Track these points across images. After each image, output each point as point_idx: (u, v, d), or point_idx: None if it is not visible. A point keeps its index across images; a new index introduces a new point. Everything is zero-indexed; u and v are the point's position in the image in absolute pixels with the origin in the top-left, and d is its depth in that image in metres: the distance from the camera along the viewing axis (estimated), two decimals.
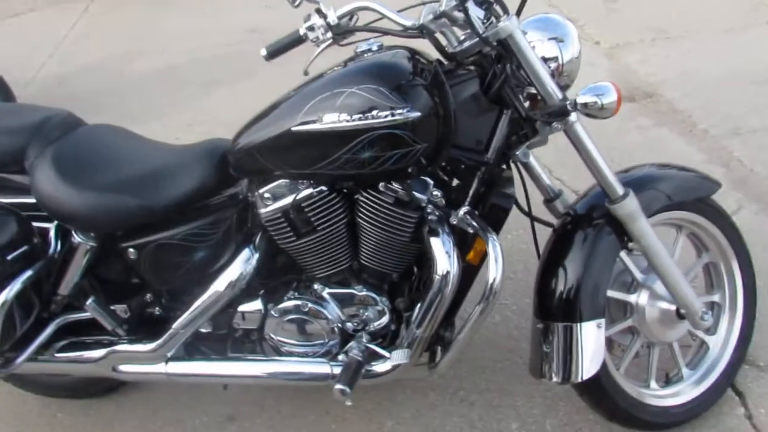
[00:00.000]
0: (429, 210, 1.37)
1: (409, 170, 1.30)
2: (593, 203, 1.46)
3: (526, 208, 1.47)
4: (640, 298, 1.49)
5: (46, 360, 1.54)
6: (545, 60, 1.32)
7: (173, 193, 1.39)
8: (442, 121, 1.27)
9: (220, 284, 1.43)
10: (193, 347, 1.55)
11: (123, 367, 1.53)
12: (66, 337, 1.56)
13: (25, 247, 1.38)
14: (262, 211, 1.39)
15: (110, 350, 1.51)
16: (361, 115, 1.22)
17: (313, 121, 1.26)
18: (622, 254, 1.45)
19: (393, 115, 1.21)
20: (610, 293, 1.47)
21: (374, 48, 1.35)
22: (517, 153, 1.38)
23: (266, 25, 4.88)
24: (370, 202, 1.36)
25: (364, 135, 1.23)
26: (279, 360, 1.50)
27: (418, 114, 1.22)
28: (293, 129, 1.27)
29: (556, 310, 1.41)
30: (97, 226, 1.42)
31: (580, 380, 1.37)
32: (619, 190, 1.35)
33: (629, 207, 1.35)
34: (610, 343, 1.56)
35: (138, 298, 1.53)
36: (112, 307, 1.52)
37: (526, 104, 1.37)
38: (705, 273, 1.67)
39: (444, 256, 1.33)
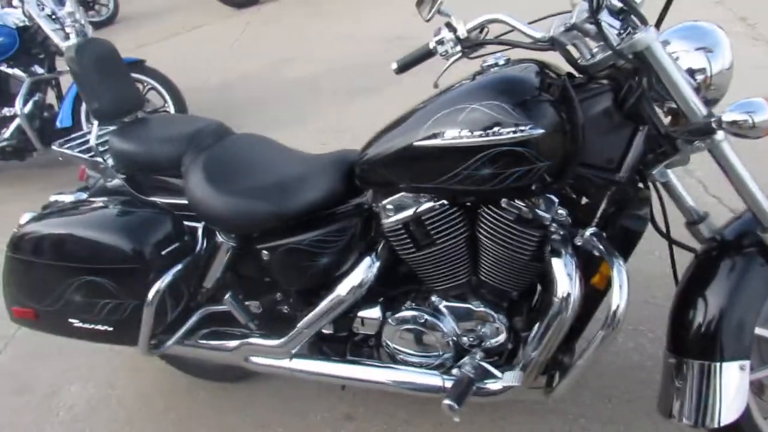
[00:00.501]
0: (553, 229, 1.32)
1: (533, 187, 1.26)
2: (744, 229, 1.31)
3: (664, 230, 1.36)
4: None
5: (191, 345, 1.72)
6: (691, 72, 1.21)
7: (302, 201, 1.48)
8: (569, 138, 1.22)
9: (342, 289, 1.49)
10: (316, 347, 1.64)
11: (253, 359, 1.66)
12: (209, 326, 1.73)
13: (177, 244, 1.55)
14: (385, 221, 1.43)
15: (243, 342, 1.65)
16: (482, 132, 1.21)
17: (435, 136, 1.26)
18: None
19: (515, 132, 1.18)
20: (763, 331, 1.31)
21: (501, 62, 1.32)
22: (653, 172, 1.28)
23: (412, 33, 5.00)
24: (491, 218, 1.34)
25: (484, 151, 1.22)
26: (393, 367, 1.54)
27: (541, 131, 1.18)
28: (415, 144, 1.29)
29: (692, 346, 1.28)
30: (235, 227, 1.55)
31: (716, 426, 1.24)
32: None
33: None
34: (761, 387, 1.39)
35: (270, 296, 1.64)
36: (246, 303, 1.66)
37: (667, 120, 1.27)
38: None
39: (565, 278, 1.27)
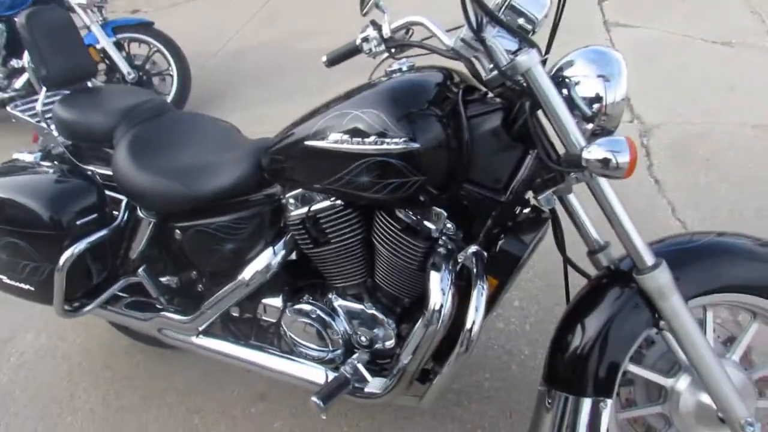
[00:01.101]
0: (441, 242, 1.32)
1: (421, 198, 1.26)
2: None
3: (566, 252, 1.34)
4: (678, 384, 1.27)
5: (113, 311, 1.79)
6: (588, 99, 1.17)
7: (213, 186, 1.50)
8: (452, 155, 1.20)
9: (245, 273, 1.52)
10: (226, 328, 1.68)
11: (165, 332, 1.72)
12: (135, 296, 1.79)
13: (95, 215, 1.61)
14: (287, 214, 1.45)
15: (157, 314, 1.71)
16: (359, 140, 1.21)
17: (322, 138, 1.27)
18: (665, 333, 1.25)
19: (388, 144, 1.18)
20: (645, 373, 1.28)
21: (404, 68, 1.31)
22: (539, 198, 1.25)
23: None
24: (383, 224, 1.34)
25: (361, 159, 1.21)
26: (283, 356, 1.57)
27: (417, 146, 1.17)
28: (306, 143, 1.30)
29: (560, 376, 1.27)
30: (151, 204, 1.59)
31: None
32: (648, 259, 1.16)
33: (658, 281, 1.15)
34: (645, 423, 1.37)
35: (186, 274, 1.69)
36: (165, 278, 1.71)
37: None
38: None
39: (438, 292, 1.27)
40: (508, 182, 1.25)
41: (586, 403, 1.21)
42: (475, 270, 1.25)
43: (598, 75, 1.18)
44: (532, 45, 1.13)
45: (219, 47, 4.95)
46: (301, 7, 5.73)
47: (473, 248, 1.27)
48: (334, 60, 1.46)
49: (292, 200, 1.43)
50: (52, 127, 1.77)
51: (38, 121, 1.79)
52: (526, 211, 1.34)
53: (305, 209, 1.40)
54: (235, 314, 1.66)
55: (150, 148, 1.60)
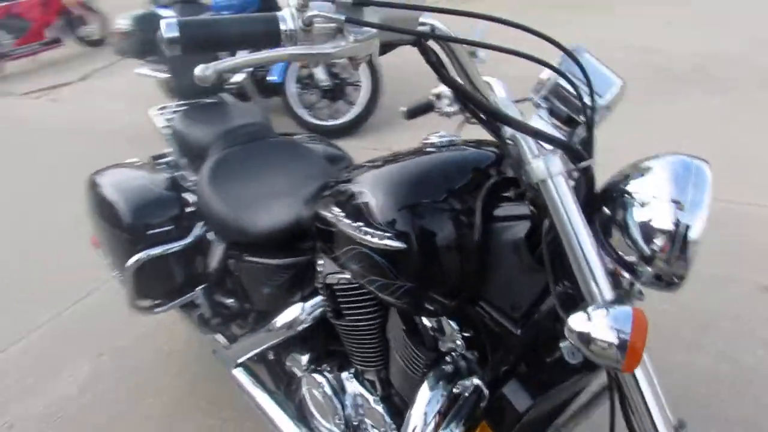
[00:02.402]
0: (449, 358, 1.08)
1: (427, 306, 1.03)
2: None
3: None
4: None
5: (185, 315, 1.86)
6: (650, 232, 0.82)
7: (264, 225, 1.44)
8: (458, 262, 0.95)
9: (277, 321, 1.44)
10: (262, 371, 1.63)
11: (217, 354, 1.74)
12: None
13: (168, 228, 1.67)
14: (316, 274, 1.33)
15: (212, 334, 1.73)
16: (350, 222, 1.02)
17: (329, 208, 1.12)
18: None
19: (372, 235, 0.97)
20: None
21: (438, 140, 1.08)
22: (561, 345, 0.92)
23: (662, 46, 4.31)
24: (393, 319, 1.15)
25: (350, 244, 1.03)
26: (292, 420, 1.46)
27: (399, 245, 0.95)
28: (317, 209, 1.16)
29: None
30: (218, 231, 1.60)
31: None
32: None
33: None
34: None
35: (238, 305, 1.68)
36: (220, 301, 1.72)
37: None
38: None
39: (420, 414, 1.04)
40: (528, 313, 0.95)
41: None
42: (466, 409, 0.99)
43: (674, 199, 0.82)
44: (565, 147, 0.82)
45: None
46: None
47: (475, 380, 1.01)
48: (412, 114, 1.28)
49: (320, 261, 1.31)
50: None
51: (165, 127, 1.93)
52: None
53: (324, 276, 1.26)
54: (271, 358, 1.60)
55: (230, 174, 1.60)
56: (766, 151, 3.16)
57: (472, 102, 0.88)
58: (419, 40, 0.82)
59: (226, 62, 0.74)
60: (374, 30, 0.75)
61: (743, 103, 3.78)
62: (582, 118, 0.85)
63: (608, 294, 0.79)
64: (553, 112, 0.89)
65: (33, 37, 7.39)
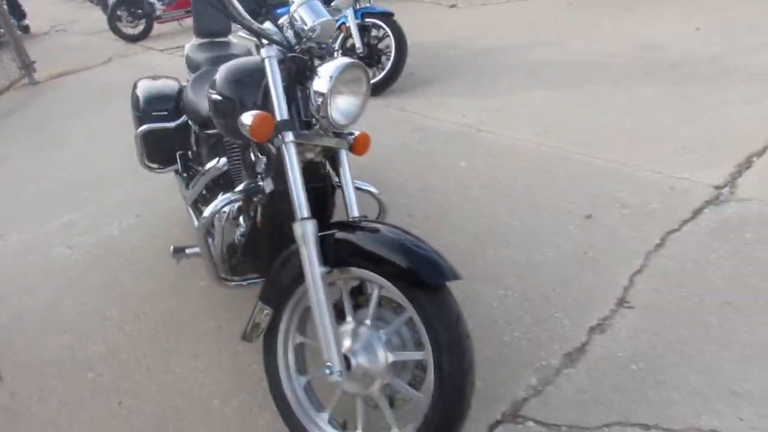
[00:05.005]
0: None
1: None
2: None
3: None
4: None
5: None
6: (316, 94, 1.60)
7: (205, 110, 2.33)
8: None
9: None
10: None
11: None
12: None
13: (165, 112, 2.64)
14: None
15: (186, 191, 2.68)
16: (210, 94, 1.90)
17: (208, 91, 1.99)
18: None
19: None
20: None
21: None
22: None
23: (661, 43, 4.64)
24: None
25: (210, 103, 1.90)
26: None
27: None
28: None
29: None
30: (189, 117, 2.53)
31: None
32: None
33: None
34: None
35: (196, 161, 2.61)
36: (192, 164, 2.67)
37: None
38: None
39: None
40: None
41: None
42: None
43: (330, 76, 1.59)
44: (276, 42, 1.63)
45: (473, 45, 5.65)
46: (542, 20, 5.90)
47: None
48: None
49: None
50: None
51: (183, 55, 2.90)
52: None
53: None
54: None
55: (203, 81, 2.50)
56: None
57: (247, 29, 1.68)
58: None
59: None
60: None
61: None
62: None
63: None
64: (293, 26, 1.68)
65: (180, 5, 8.89)
